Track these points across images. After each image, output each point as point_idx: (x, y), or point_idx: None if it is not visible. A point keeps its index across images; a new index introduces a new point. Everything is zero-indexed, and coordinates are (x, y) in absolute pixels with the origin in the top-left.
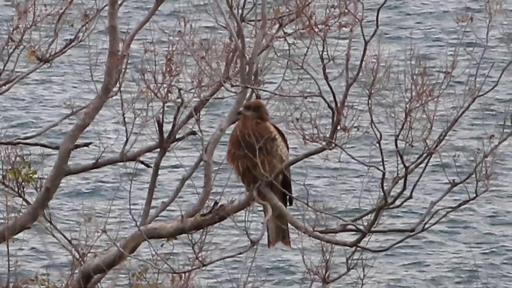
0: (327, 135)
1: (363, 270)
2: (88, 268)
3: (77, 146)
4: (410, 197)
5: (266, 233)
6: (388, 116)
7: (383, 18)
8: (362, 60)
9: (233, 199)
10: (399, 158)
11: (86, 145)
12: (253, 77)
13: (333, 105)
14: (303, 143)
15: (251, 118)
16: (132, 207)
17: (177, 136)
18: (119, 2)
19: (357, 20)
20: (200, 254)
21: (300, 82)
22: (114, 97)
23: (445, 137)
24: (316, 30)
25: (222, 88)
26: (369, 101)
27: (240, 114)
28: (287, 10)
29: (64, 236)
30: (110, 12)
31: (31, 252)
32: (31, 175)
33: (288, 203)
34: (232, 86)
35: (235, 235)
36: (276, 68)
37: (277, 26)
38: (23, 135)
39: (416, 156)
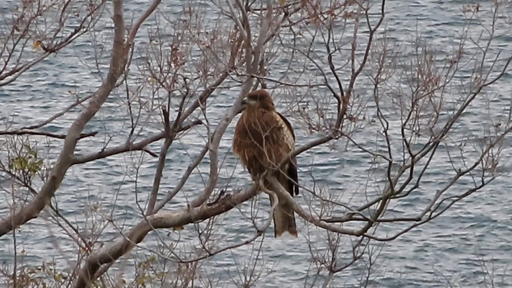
0: (333, 124)
1: (370, 259)
2: (95, 257)
3: (83, 135)
4: (417, 186)
5: (272, 223)
6: (395, 105)
7: (388, 7)
8: (368, 49)
9: (239, 188)
10: (405, 147)
11: (92, 134)
12: (258, 66)
13: (339, 94)
14: (309, 132)
15: (256, 107)
16: (138, 196)
17: (183, 125)
18: None
19: (362, 9)
20: (206, 243)
21: (306, 71)
22: (119, 86)
23: (452, 126)
24: (322, 19)
25: (228, 77)
26: (376, 90)
27: (244, 103)
28: None
29: (71, 225)
30: (116, 1)
31: (37, 241)
32: (37, 164)
33: (294, 192)
34: (237, 75)
35: (241, 225)
36: (281, 58)
37: (282, 15)
38: (29, 124)
39: (423, 145)
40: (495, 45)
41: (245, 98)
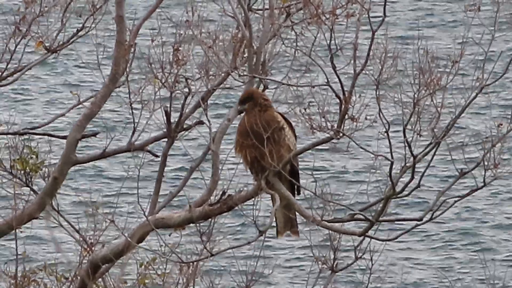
0: (335, 125)
1: (371, 259)
2: (96, 258)
3: (85, 136)
4: (418, 186)
5: (274, 223)
6: (396, 105)
7: (390, 7)
8: (369, 49)
9: (241, 189)
10: (407, 147)
11: (94, 134)
12: (260, 66)
13: (340, 94)
14: (310, 133)
15: (250, 109)
16: (139, 196)
17: (185, 126)
18: None
19: (364, 9)
20: (208, 244)
21: (308, 71)
22: (121, 87)
23: (453, 126)
24: (323, 19)
25: (230, 77)
26: (377, 91)
27: (241, 112)
28: None
29: (72, 226)
30: (118, 1)
31: (39, 242)
32: (38, 165)
33: (296, 193)
34: (239, 75)
35: (243, 225)
36: (283, 58)
37: (284, 15)
38: (31, 125)
39: (424, 145)
40: (496, 45)
41: (238, 107)
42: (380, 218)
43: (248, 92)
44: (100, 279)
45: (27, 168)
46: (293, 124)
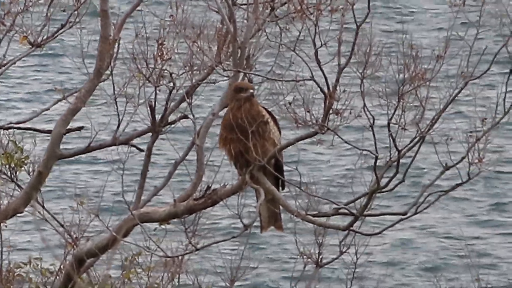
0: (320, 119)
1: (356, 253)
2: (81, 252)
3: (69, 130)
4: (403, 180)
5: (258, 218)
6: (381, 100)
7: (375, 1)
8: (354, 44)
9: (226, 183)
10: (391, 142)
11: (79, 129)
12: (245, 61)
13: (325, 89)
14: (295, 127)
15: (238, 101)
16: (124, 191)
17: (169, 120)
18: None
19: (348, 4)
20: (192, 238)
21: (292, 65)
22: (106, 81)
23: (438, 121)
24: (308, 14)
25: (214, 72)
26: (362, 85)
27: (253, 96)
28: None
29: (57, 220)
30: None
31: (23, 236)
32: (23, 159)
33: (280, 187)
34: (224, 70)
35: (228, 220)
36: (268, 52)
37: (268, 10)
38: (16, 119)
39: (409, 139)
40: (481, 39)
41: (251, 91)
42: (365, 213)
43: (250, 85)
44: (85, 273)
45: (12, 162)
46: (278, 118)
